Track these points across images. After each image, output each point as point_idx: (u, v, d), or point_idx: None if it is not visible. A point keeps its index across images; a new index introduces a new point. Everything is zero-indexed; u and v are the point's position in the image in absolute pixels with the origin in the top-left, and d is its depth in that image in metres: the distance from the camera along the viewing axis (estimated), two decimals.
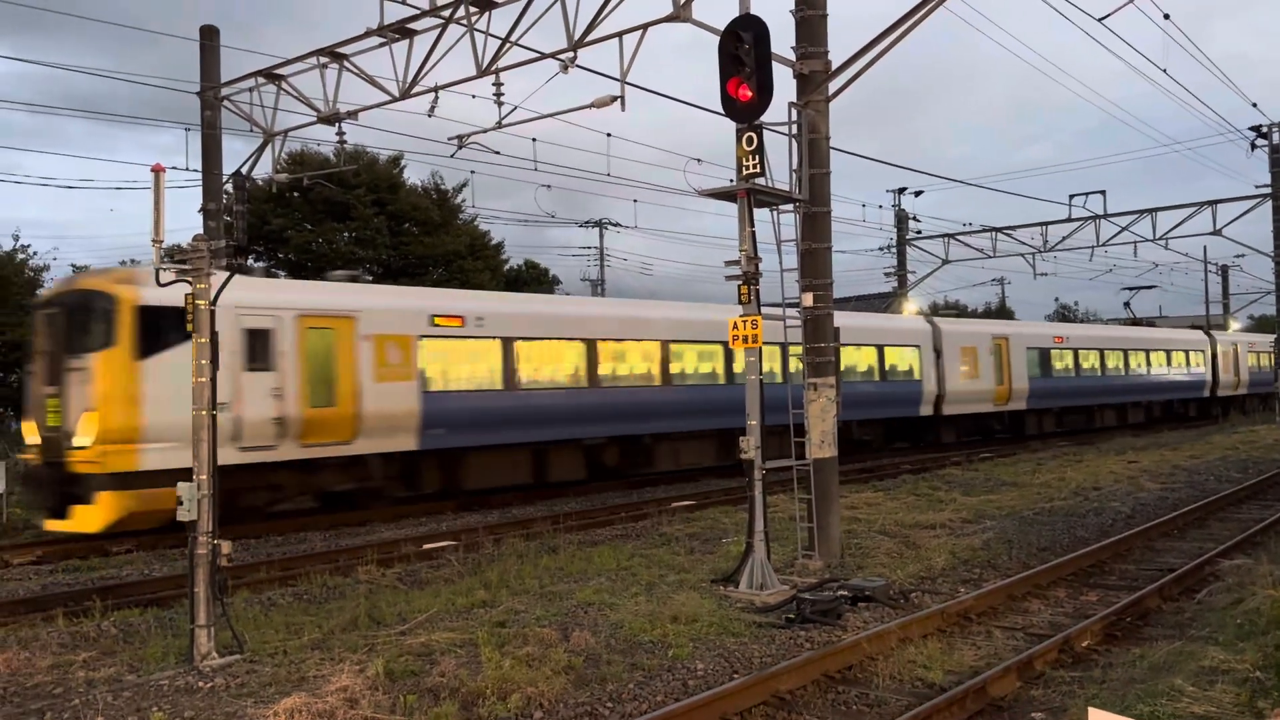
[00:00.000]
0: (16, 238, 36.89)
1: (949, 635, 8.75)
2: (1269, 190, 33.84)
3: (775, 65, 10.66)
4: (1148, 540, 13.38)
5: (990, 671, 7.33)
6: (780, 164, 11.92)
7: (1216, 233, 33.72)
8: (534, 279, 37.68)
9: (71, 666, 8.00)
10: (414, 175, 34.48)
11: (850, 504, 15.85)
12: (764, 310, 10.81)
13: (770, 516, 11.32)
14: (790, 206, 11.65)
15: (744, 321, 10.59)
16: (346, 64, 16.76)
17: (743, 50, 10.32)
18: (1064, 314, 67.53)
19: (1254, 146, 34.00)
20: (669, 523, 15.40)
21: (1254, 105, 32.89)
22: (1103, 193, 34.81)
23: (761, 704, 6.92)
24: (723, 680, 7.46)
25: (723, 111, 10.77)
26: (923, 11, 11.35)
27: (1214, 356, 44.56)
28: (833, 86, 12.04)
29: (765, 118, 10.71)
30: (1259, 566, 10.19)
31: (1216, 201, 33.24)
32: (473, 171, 24.63)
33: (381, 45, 16.17)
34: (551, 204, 68.17)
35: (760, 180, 10.65)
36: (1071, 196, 35.18)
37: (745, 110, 10.41)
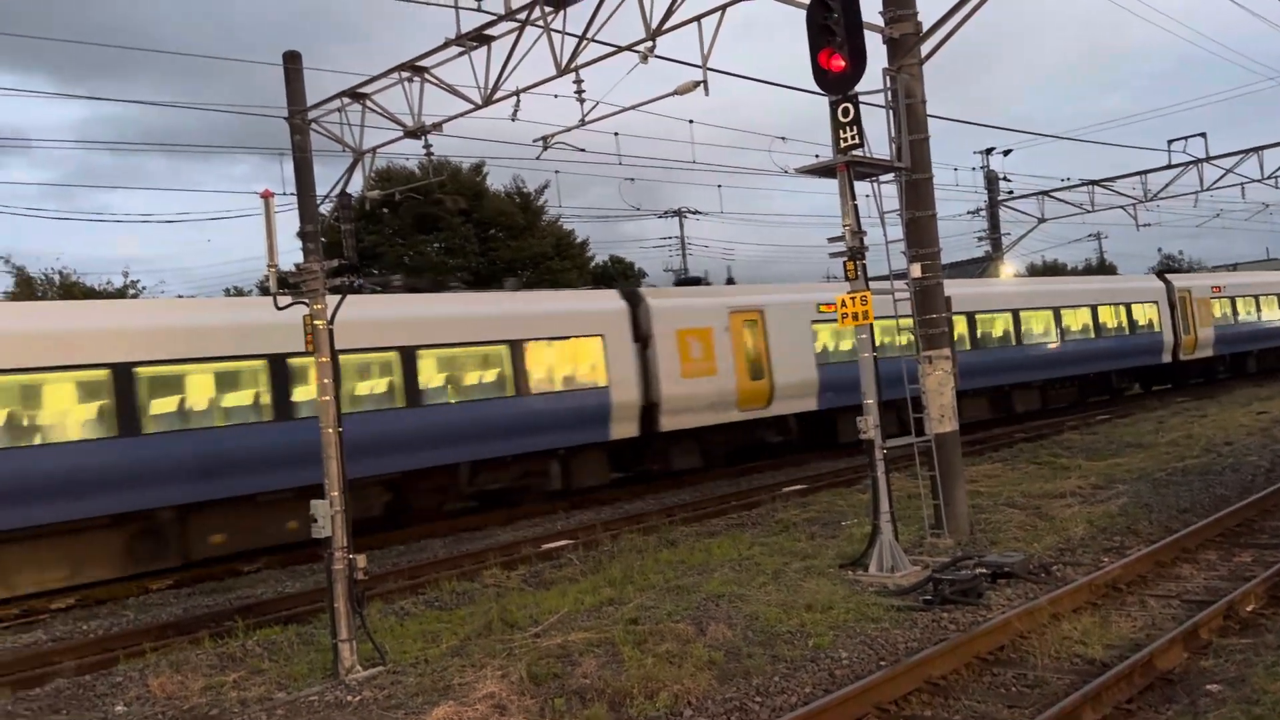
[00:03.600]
0: (126, 274, 38.45)
1: (1101, 608, 8.37)
2: None
3: (866, 33, 10.34)
4: None
5: (1154, 644, 6.97)
6: (875, 134, 11.59)
7: None
8: (620, 274, 37.75)
9: (223, 687, 8.21)
10: (496, 180, 34.80)
11: (970, 477, 15.36)
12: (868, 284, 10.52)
13: (891, 496, 11.03)
14: (890, 176, 11.31)
15: (854, 298, 10.32)
16: (428, 76, 16.92)
17: (832, 20, 10.03)
18: (1169, 265, 64.83)
19: None
20: (783, 509, 15.18)
21: None
22: (1203, 135, 33.24)
23: (915, 691, 6.70)
24: (868, 668, 7.26)
25: (811, 86, 10.51)
26: None
27: (1173, 307, 33.45)
28: (925, 48, 11.65)
29: (859, 88, 10.42)
30: None
31: None
32: (556, 171, 24.72)
33: (461, 54, 16.26)
34: (634, 197, 68.16)
35: (859, 151, 10.35)
36: (1170, 141, 33.71)
37: (839, 81, 10.12)
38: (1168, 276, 33.96)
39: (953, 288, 15.97)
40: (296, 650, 9.32)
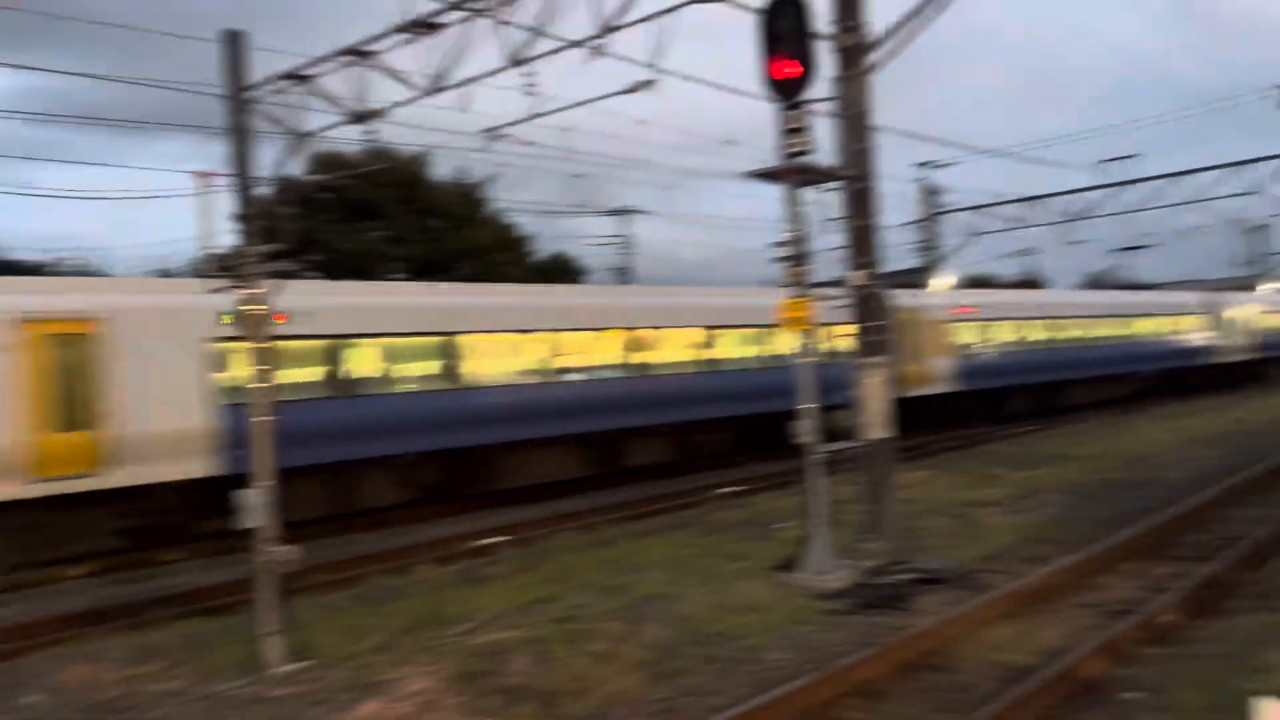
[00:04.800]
0: (50, 251, 37.14)
1: (1026, 616, 8.55)
2: None
3: (814, 42, 10.43)
4: (1210, 509, 13.07)
5: (1077, 652, 7.15)
6: (820, 142, 11.67)
7: (1251, 192, 33.08)
8: (563, 270, 37.62)
9: (139, 679, 7.97)
10: (443, 171, 34.36)
11: (900, 484, 15.59)
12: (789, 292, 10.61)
13: (825, 500, 11.14)
14: (835, 184, 11.42)
15: (796, 303, 10.41)
16: (373, 62, 16.66)
17: (782, 27, 10.11)
18: (1097, 282, 66.69)
19: None
20: (719, 510, 15.26)
21: None
22: (1132, 157, 34.35)
23: (844, 694, 6.77)
24: (800, 670, 7.31)
25: (761, 92, 10.57)
26: None
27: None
28: (873, 59, 11.77)
29: (806, 96, 10.51)
30: None
31: (1251, 161, 32.60)
32: (502, 165, 24.49)
33: (409, 41, 16.05)
34: (580, 194, 68.06)
35: (805, 159, 10.44)
36: (1100, 162, 34.74)
37: (787, 88, 10.20)
38: (897, 292, 27.56)
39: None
40: (219, 643, 9.08)
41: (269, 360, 8.18)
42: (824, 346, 22.26)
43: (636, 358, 20.78)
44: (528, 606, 9.38)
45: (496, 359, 18.48)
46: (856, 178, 11.57)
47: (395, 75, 16.75)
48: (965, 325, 28.81)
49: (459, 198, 33.68)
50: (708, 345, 22.20)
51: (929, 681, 7.10)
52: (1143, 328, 36.21)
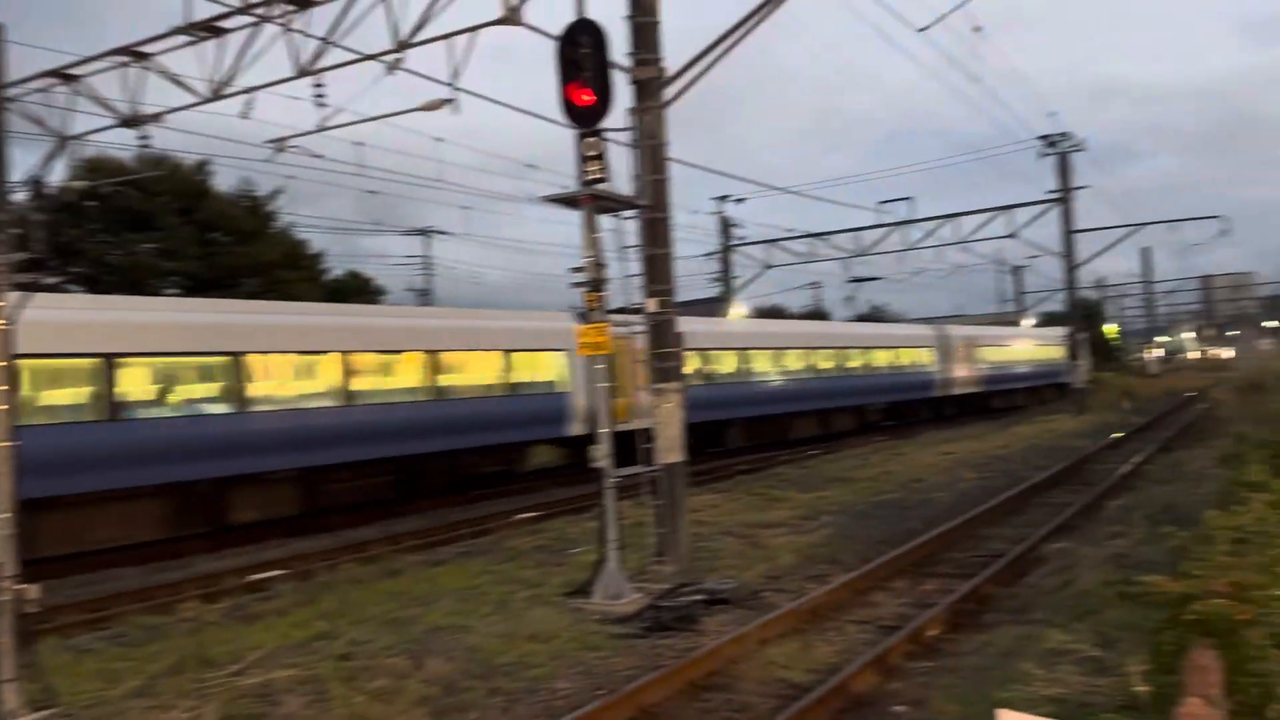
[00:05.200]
0: None
1: (804, 633, 8.86)
2: (1058, 195, 36.61)
3: (613, 72, 10.59)
4: (973, 528, 14.06)
5: (849, 668, 7.45)
6: (620, 171, 11.84)
7: (1012, 235, 36.25)
8: (358, 290, 36.34)
9: None
10: (226, 182, 32.54)
11: (692, 507, 15.93)
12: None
13: (619, 524, 11.20)
14: (633, 213, 11.59)
15: (592, 329, 10.45)
16: (149, 64, 15.62)
17: (581, 55, 10.19)
18: (876, 315, 71.17)
19: (1043, 154, 36.70)
20: (515, 536, 15.05)
21: (1052, 114, 35.75)
22: (908, 199, 36.91)
23: (631, 719, 6.76)
24: (587, 698, 7.26)
25: (560, 118, 10.62)
26: (755, 19, 11.55)
27: None
28: (669, 93, 12.07)
29: (605, 125, 10.64)
30: (1080, 548, 10.87)
31: (1012, 206, 35.75)
32: (290, 177, 23.42)
33: (189, 44, 15.15)
34: (375, 212, 66.26)
35: (603, 186, 10.54)
36: (881, 203, 37.17)
37: (586, 115, 10.29)
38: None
39: None
40: None
41: (8, 380, 7.40)
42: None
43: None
44: (304, 644, 8.88)
45: (280, 380, 17.41)
46: (652, 207, 11.79)
47: (174, 79, 15.84)
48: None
49: (245, 211, 31.97)
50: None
51: (713, 701, 7.21)
52: (868, 360, 34.96)
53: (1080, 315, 41.63)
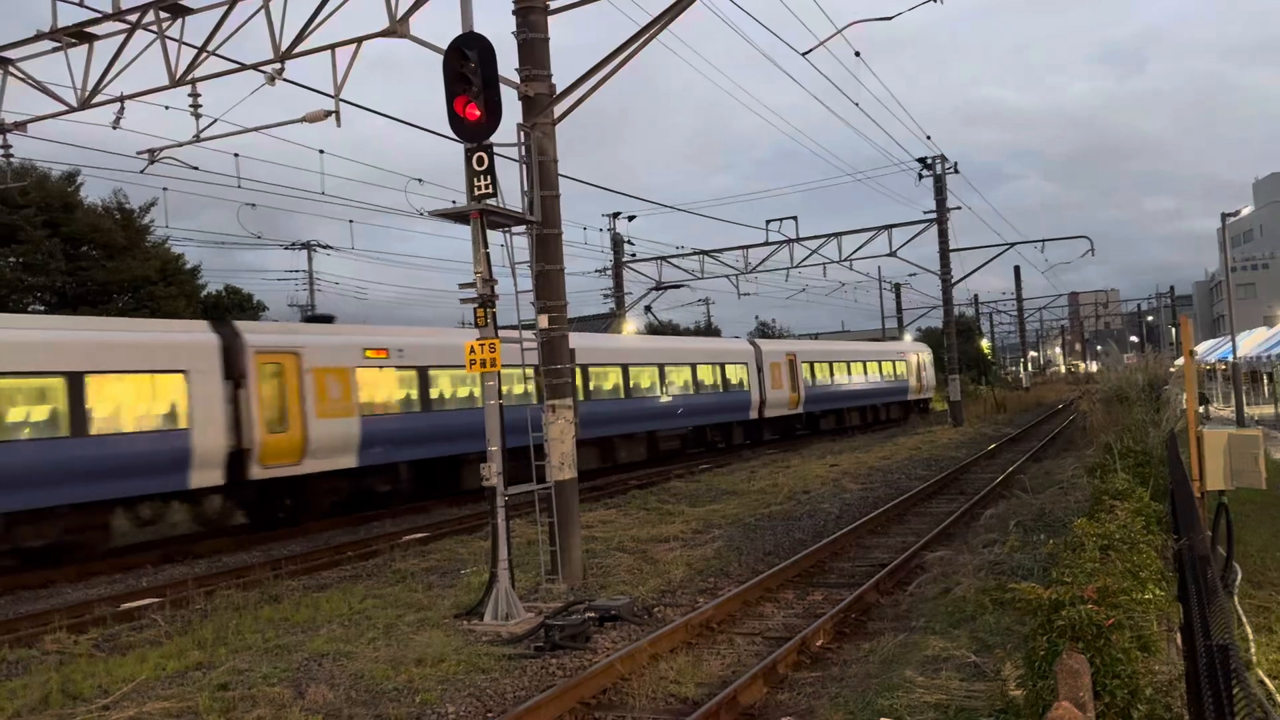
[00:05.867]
0: None
1: (695, 647, 8.92)
2: (934, 216, 38.00)
3: (501, 87, 10.54)
4: (857, 538, 14.42)
5: (738, 681, 7.52)
6: (510, 187, 11.80)
7: (892, 254, 37.44)
8: (235, 305, 35.12)
9: None
10: (95, 193, 31.16)
11: (586, 523, 15.92)
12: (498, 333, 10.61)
13: (510, 543, 11.10)
14: (523, 229, 11.54)
15: (482, 345, 10.34)
16: (12, 69, 14.86)
17: (469, 69, 10.12)
18: (764, 331, 72.48)
19: (921, 176, 38.06)
20: (402, 558, 14.73)
21: (928, 138, 37.02)
22: (794, 218, 37.78)
23: None
24: None
25: (448, 131, 10.53)
26: (644, 37, 11.66)
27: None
28: (558, 110, 12.08)
29: (495, 140, 10.59)
30: (958, 556, 11.24)
31: (891, 226, 36.95)
32: (165, 189, 22.53)
33: (56, 50, 14.48)
34: (255, 225, 64.25)
35: (492, 201, 10.47)
36: (768, 222, 37.93)
37: (474, 130, 10.21)
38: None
39: None
40: None
41: None
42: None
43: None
44: (180, 674, 8.51)
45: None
46: (543, 223, 11.76)
47: (39, 86, 15.09)
48: (372, 374, 20.08)
49: (117, 224, 30.59)
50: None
51: None
52: (664, 379, 29.24)
53: (956, 331, 43.17)
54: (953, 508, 16.70)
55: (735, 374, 32.88)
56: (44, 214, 27.96)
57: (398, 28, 11.58)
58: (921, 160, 37.91)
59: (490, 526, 10.58)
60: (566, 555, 11.78)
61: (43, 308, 27.37)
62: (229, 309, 33.67)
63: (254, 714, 7.08)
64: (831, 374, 39.93)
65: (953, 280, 39.71)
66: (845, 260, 38.31)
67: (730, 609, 10.13)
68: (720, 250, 40.14)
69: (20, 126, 15.74)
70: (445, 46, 10.42)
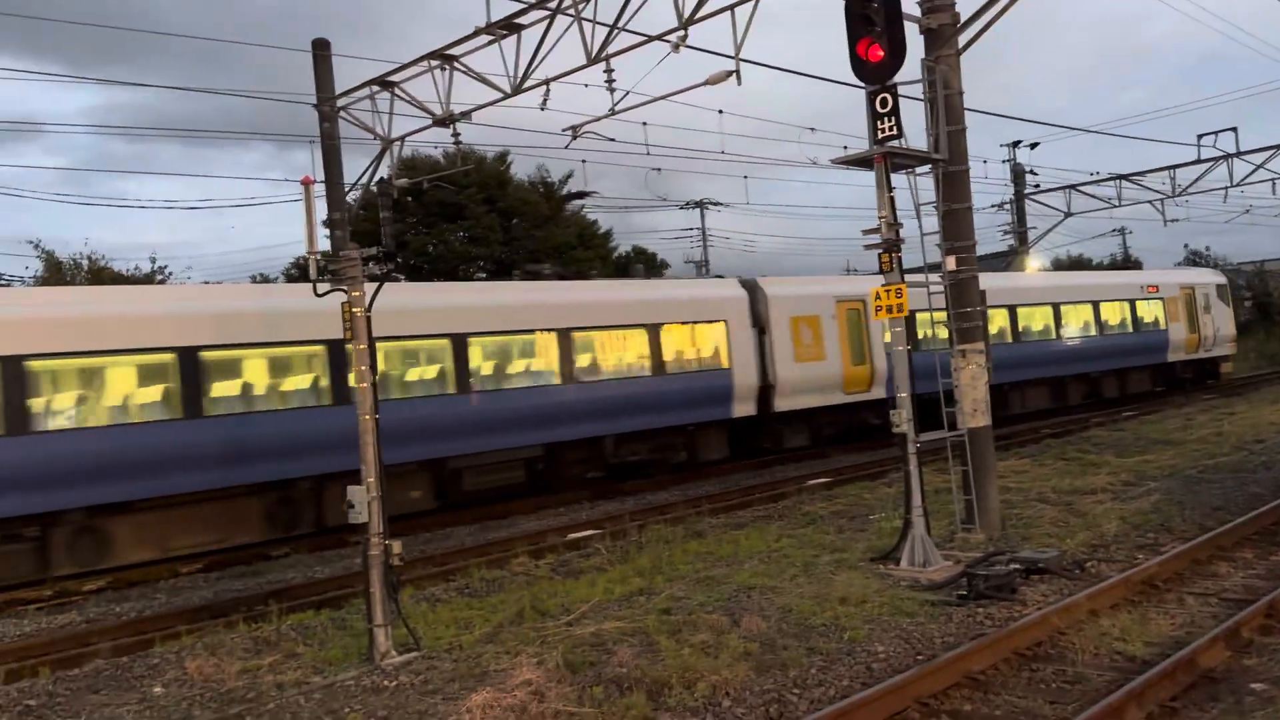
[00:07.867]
0: (154, 260, 38.68)
1: (1139, 605, 8.30)
2: None
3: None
4: None
5: (1197, 642, 6.90)
6: (906, 125, 11.48)
7: None
8: (646, 264, 37.68)
9: (259, 670, 8.26)
10: (522, 170, 34.76)
11: (998, 473, 15.26)
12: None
13: (924, 490, 10.97)
14: (926, 168, 11.23)
15: (888, 290, 10.26)
16: (457, 65, 16.94)
17: (871, 9, 9.96)
18: (1194, 260, 64.25)
19: None
20: (809, 501, 15.15)
21: None
22: (1233, 129, 32.95)
23: (955, 686, 6.67)
24: (906, 662, 7.23)
25: (842, 77, 10.47)
26: None
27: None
28: (962, 40, 11.54)
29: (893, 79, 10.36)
30: None
31: None
32: (583, 161, 24.62)
33: (490, 43, 16.26)
34: (658, 187, 68.05)
35: (897, 142, 10.28)
36: (1200, 136, 33.40)
37: (878, 71, 10.05)
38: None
39: None
40: (330, 635, 9.38)
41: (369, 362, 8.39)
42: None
43: None
44: (626, 598, 9.46)
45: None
46: (949, 160, 11.36)
47: (478, 77, 17.08)
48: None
49: (540, 196, 33.99)
50: None
51: (1043, 672, 6.94)
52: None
53: None
54: None
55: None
56: (483, 192, 31.75)
57: None
58: None
59: (903, 473, 10.54)
60: (983, 504, 11.43)
61: (484, 275, 31.15)
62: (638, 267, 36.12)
63: (698, 638, 7.71)
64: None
65: None
66: None
67: (1177, 566, 9.27)
68: (1141, 173, 36.06)
69: (466, 116, 17.93)
70: None
